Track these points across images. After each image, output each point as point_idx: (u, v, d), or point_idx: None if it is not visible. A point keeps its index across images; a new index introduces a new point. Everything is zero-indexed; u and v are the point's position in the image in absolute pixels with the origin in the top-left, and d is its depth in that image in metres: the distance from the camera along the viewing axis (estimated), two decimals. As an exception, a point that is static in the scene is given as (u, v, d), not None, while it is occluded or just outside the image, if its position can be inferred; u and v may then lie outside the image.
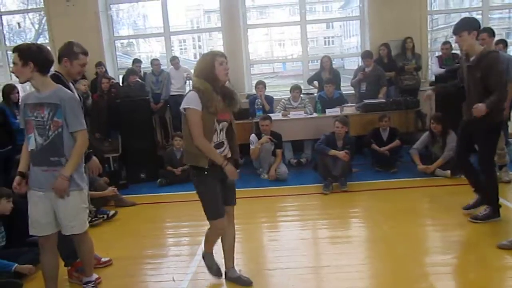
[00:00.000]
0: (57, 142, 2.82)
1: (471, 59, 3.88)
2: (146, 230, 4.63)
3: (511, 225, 4.18)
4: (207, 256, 3.32)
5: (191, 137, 2.89)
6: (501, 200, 4.20)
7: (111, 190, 5.33)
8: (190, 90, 2.99)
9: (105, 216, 4.90)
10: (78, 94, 3.29)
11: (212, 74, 2.89)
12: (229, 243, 3.25)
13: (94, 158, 3.44)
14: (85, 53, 3.28)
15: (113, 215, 4.96)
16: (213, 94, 2.86)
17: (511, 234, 3.84)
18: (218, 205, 2.99)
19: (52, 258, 3.04)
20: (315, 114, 6.86)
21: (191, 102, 2.85)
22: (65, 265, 3.50)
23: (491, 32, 5.07)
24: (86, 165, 3.18)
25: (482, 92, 3.80)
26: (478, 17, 8.70)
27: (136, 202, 5.53)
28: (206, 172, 2.91)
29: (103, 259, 3.76)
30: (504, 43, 6.40)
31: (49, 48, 3.69)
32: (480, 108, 3.71)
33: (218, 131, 2.98)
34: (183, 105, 2.89)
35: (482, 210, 4.15)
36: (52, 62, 2.89)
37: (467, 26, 3.83)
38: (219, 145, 3.00)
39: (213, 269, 3.34)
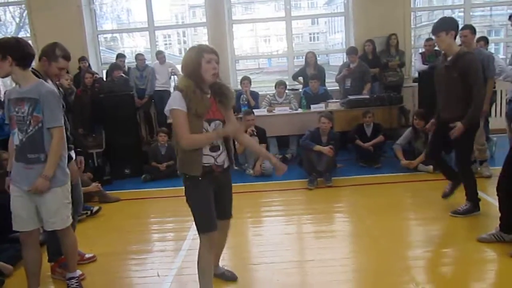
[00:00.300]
0: (37, 138, 2.78)
1: (449, 59, 3.93)
2: (130, 226, 4.61)
3: (491, 218, 4.26)
4: None
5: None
6: (481, 194, 4.28)
7: (94, 186, 5.29)
8: (174, 90, 2.67)
9: (89, 212, 4.86)
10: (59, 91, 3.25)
11: (197, 72, 2.56)
12: (220, 243, 3.12)
13: (72, 162, 3.27)
14: (67, 58, 3.19)
15: (97, 211, 4.92)
16: (195, 93, 2.55)
17: (491, 227, 3.92)
18: (211, 216, 2.68)
19: (35, 253, 3.01)
20: (300, 110, 6.89)
21: (174, 102, 2.55)
22: (48, 261, 3.47)
23: (473, 29, 5.14)
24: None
25: (459, 92, 3.85)
26: (460, 14, 8.84)
27: (120, 198, 5.49)
28: (200, 178, 2.63)
29: (87, 255, 3.73)
30: (485, 40, 6.51)
31: (30, 42, 3.63)
32: (458, 129, 3.82)
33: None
34: (167, 107, 2.58)
35: (463, 205, 4.23)
36: (33, 56, 2.84)
37: (444, 26, 3.86)
38: (213, 149, 2.65)
39: None
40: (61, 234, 3.01)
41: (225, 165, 2.75)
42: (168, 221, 4.75)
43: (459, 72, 3.81)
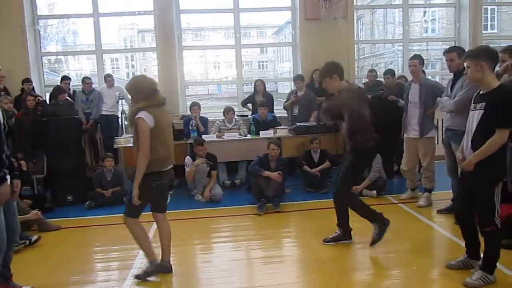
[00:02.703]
0: None
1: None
2: (72, 256, 4.40)
3: (434, 242, 4.51)
4: None
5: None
6: (422, 219, 4.47)
7: (34, 214, 5.02)
8: None
9: (27, 241, 4.59)
10: (2, 112, 3.15)
11: None
12: None
13: (5, 184, 3.03)
14: None
15: (36, 240, 4.66)
16: None
17: (433, 250, 4.14)
18: None
19: None
20: (249, 136, 6.96)
21: None
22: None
23: (421, 60, 5.40)
24: None
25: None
26: (400, 48, 9.41)
27: (61, 226, 5.23)
28: None
29: (23, 288, 3.52)
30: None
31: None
32: None
33: None
34: None
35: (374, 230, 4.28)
36: None
37: (327, 73, 4.18)
38: None
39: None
40: None
41: None
42: (113, 250, 4.57)
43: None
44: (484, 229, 3.31)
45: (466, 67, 3.34)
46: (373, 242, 4.21)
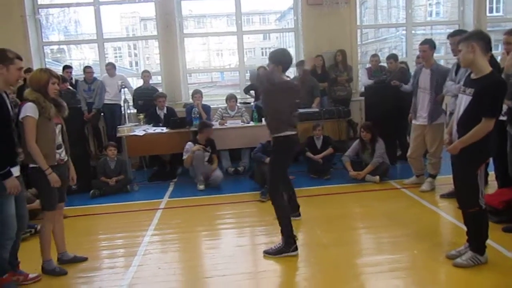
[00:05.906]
0: None
1: None
2: (77, 243, 4.43)
3: (437, 226, 4.51)
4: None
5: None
6: (425, 203, 4.46)
7: (39, 203, 5.06)
8: None
9: (33, 230, 4.64)
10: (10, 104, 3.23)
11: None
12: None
13: (12, 178, 3.18)
14: (20, 58, 3.29)
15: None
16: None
17: (437, 235, 4.14)
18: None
19: None
20: (251, 123, 6.94)
21: None
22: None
23: (432, 44, 5.25)
24: (4, 182, 3.09)
25: None
26: (403, 32, 9.31)
27: (67, 215, 5.23)
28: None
29: (30, 275, 3.57)
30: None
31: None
32: None
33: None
34: None
35: (277, 243, 3.93)
36: None
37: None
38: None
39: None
40: None
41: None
42: (117, 237, 4.61)
43: None
44: (467, 210, 3.35)
45: (459, 52, 3.29)
46: (266, 252, 3.88)
